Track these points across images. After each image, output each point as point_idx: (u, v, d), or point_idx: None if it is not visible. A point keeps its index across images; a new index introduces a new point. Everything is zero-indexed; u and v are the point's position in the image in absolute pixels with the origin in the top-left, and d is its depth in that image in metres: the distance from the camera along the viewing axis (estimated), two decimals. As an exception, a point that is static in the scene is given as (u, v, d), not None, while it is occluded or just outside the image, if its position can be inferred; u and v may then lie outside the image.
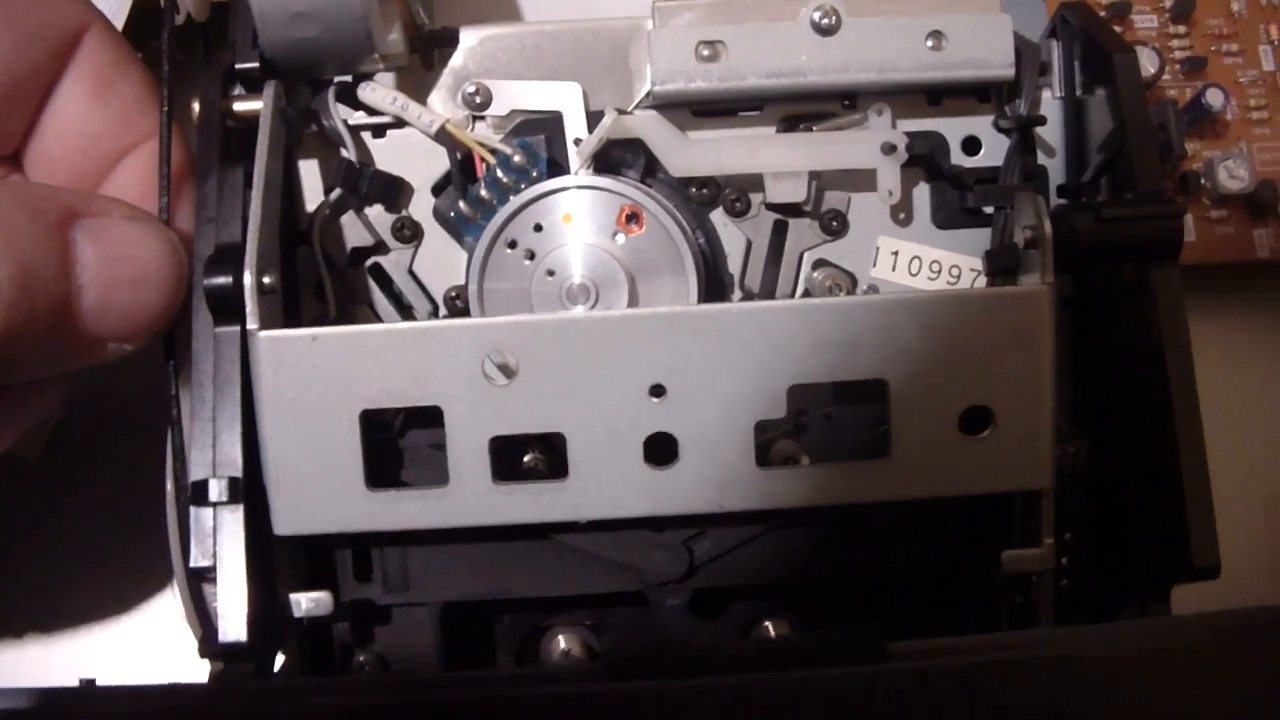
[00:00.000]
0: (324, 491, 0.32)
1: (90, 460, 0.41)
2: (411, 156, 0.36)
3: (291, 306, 0.35)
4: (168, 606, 0.41)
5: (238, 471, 0.31)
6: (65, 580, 0.41)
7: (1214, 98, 0.40)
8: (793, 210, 0.36)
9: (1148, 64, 0.41)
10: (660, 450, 0.32)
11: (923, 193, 0.36)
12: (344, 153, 0.35)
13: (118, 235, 0.32)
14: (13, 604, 0.41)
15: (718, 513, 0.32)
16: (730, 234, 0.36)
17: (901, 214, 0.36)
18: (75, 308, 0.31)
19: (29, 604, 0.41)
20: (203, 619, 0.32)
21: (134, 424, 0.38)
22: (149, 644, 0.41)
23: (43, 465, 0.42)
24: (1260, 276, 0.42)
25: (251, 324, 0.31)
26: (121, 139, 0.34)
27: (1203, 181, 0.41)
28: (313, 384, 0.31)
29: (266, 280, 0.32)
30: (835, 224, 0.36)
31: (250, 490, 0.32)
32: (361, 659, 0.35)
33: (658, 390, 0.31)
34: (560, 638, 0.36)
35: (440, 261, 0.36)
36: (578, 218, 0.34)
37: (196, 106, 0.34)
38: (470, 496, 0.32)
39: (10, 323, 0.29)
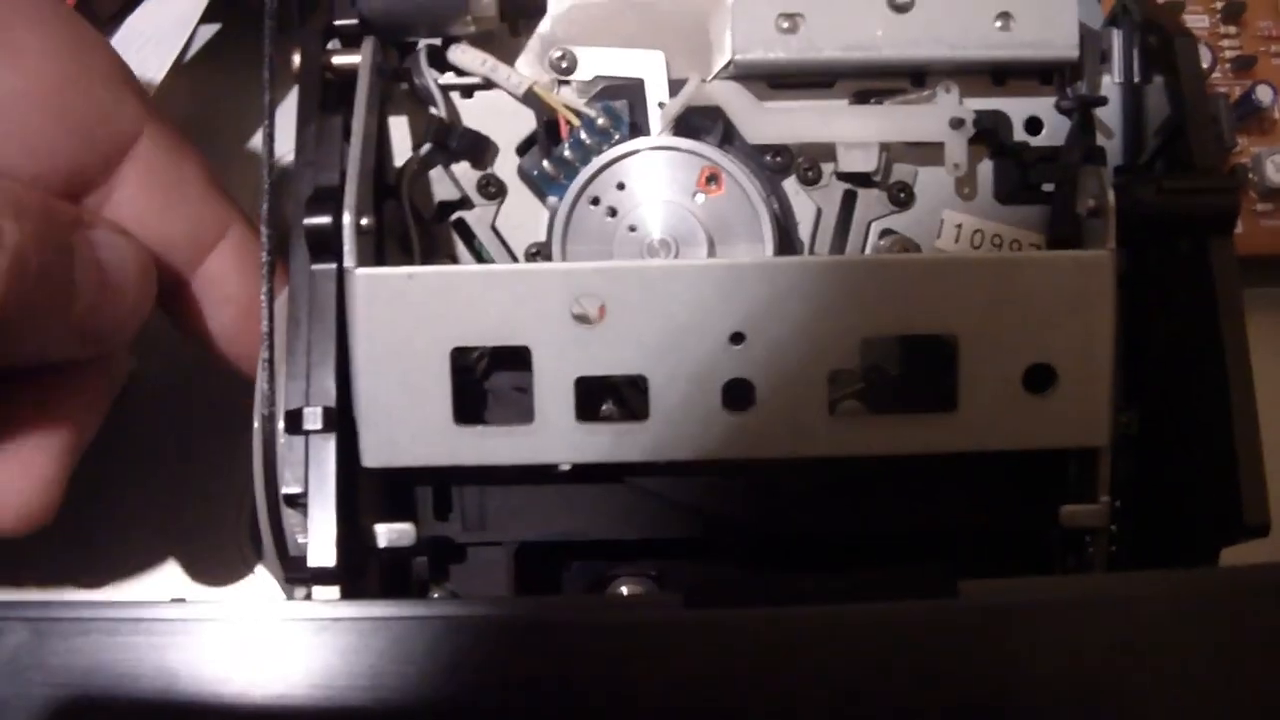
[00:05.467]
0: (413, 426, 0.33)
1: (163, 402, 0.43)
2: (498, 117, 0.37)
3: (377, 257, 0.36)
4: (227, 544, 0.42)
5: (332, 401, 0.32)
6: (141, 515, 0.42)
7: (1264, 94, 0.42)
8: (862, 180, 0.37)
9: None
10: (738, 396, 0.33)
11: (986, 169, 0.38)
12: (434, 110, 0.36)
13: (108, 247, 0.34)
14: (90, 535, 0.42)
15: (790, 459, 0.33)
16: (801, 202, 0.37)
17: (966, 188, 0.38)
18: (70, 304, 0.33)
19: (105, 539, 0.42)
20: (284, 548, 0.33)
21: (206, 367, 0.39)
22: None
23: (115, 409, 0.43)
24: (1305, 270, 0.44)
25: (349, 262, 0.33)
26: (196, 243, 0.36)
27: (1250, 175, 0.42)
28: (406, 321, 0.33)
29: (364, 222, 0.33)
30: (903, 195, 0.37)
31: (340, 423, 0.33)
32: (436, 596, 0.36)
33: (737, 338, 0.33)
34: (623, 587, 0.37)
35: (522, 219, 0.37)
36: (660, 177, 0.36)
37: (297, 59, 0.35)
38: (554, 434, 0.33)
39: (17, 304, 0.31)
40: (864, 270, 0.33)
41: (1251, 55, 0.43)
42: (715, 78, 0.37)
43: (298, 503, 0.32)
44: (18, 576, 0.42)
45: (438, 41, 0.37)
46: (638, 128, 0.37)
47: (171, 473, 0.43)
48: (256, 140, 0.45)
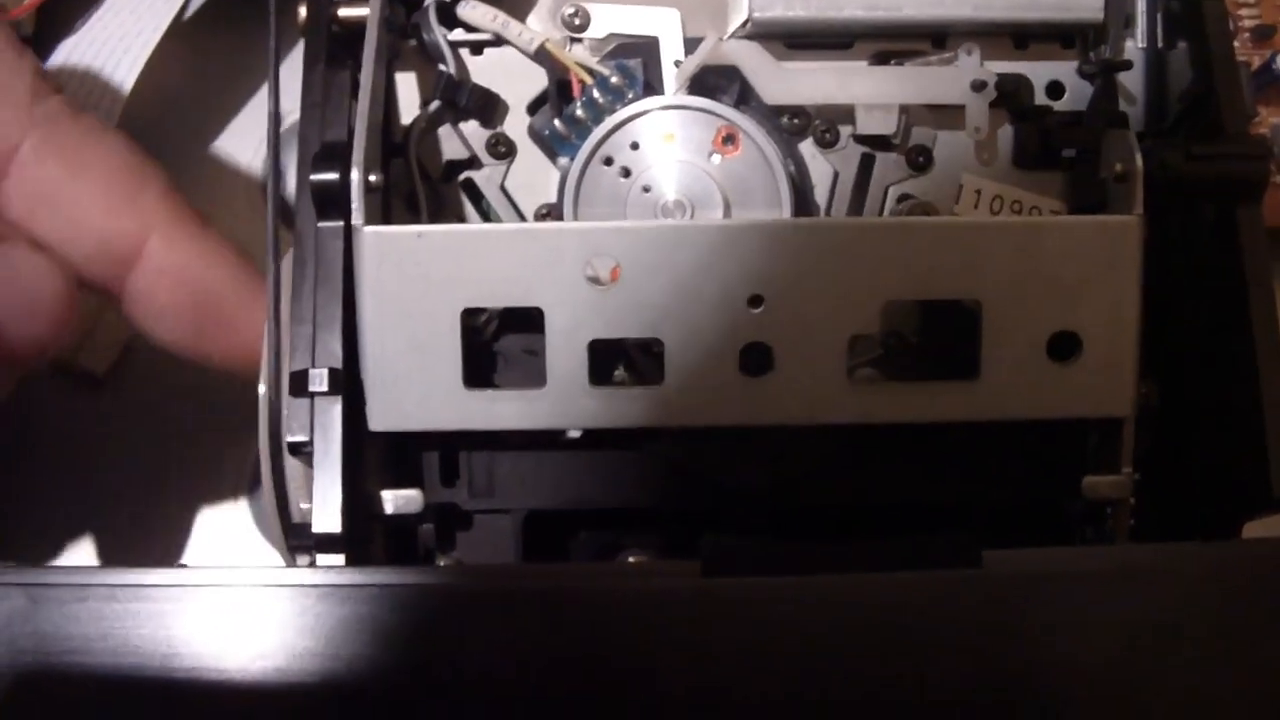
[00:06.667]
0: (422, 389, 0.32)
1: (166, 369, 0.42)
2: (508, 75, 0.36)
3: (384, 217, 0.35)
4: (236, 515, 0.41)
5: (338, 363, 0.32)
6: (139, 488, 0.41)
7: (1284, 63, 0.41)
8: (881, 144, 0.36)
9: (1221, 26, 0.41)
10: (756, 360, 0.32)
11: (1006, 133, 0.37)
12: (444, 67, 0.35)
13: (21, 265, 0.32)
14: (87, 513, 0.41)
15: (808, 425, 0.32)
16: (818, 165, 0.37)
17: (986, 153, 0.37)
18: None
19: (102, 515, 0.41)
20: (288, 514, 0.32)
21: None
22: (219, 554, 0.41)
23: (111, 378, 0.42)
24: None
25: (357, 220, 0.32)
26: (109, 260, 0.34)
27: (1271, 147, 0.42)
28: (416, 281, 0.32)
29: (372, 179, 0.32)
30: (921, 159, 0.36)
31: (346, 386, 0.32)
32: (442, 565, 0.35)
33: (756, 300, 0.32)
34: (631, 558, 0.36)
35: (532, 179, 0.36)
36: (676, 137, 0.35)
37: (303, 11, 0.34)
38: (567, 398, 0.32)
39: None
40: (888, 233, 0.32)
41: (1271, 25, 0.42)
42: (732, 36, 0.36)
43: (302, 450, 0.31)
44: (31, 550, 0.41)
45: (446, -2, 0.36)
46: (652, 87, 0.36)
47: (174, 444, 0.42)
48: (258, 99, 0.44)
